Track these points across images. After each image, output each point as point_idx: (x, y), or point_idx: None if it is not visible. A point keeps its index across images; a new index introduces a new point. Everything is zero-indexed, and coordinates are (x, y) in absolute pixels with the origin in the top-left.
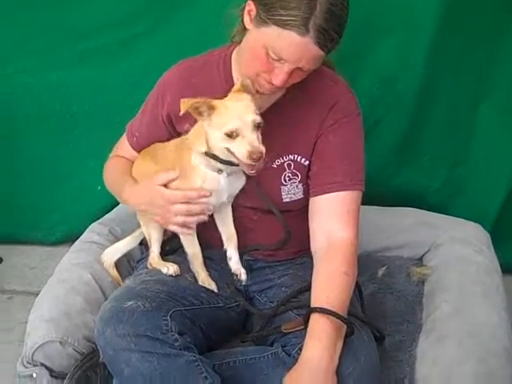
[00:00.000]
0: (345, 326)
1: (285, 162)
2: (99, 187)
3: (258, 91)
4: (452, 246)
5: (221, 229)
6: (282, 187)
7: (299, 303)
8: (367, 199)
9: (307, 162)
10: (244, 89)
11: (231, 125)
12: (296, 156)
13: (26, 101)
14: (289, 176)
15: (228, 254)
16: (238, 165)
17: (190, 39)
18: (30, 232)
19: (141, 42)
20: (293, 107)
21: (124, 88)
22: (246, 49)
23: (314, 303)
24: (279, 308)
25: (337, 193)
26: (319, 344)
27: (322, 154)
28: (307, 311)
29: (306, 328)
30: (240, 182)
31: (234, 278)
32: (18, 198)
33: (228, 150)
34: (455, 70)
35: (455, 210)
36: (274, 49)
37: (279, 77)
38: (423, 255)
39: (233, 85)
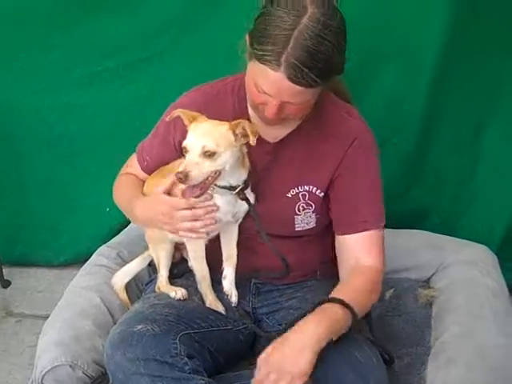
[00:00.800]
0: (349, 323)
1: (300, 192)
2: (108, 209)
3: (263, 121)
4: (459, 268)
5: (223, 248)
6: (296, 216)
7: None
8: None
9: (322, 194)
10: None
11: (185, 141)
12: (311, 187)
13: (35, 122)
14: (303, 206)
15: (224, 272)
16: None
17: (198, 64)
18: (39, 253)
19: (149, 65)
20: (309, 139)
21: (132, 110)
22: (246, 83)
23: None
24: (287, 330)
25: (362, 233)
26: (317, 322)
27: (344, 194)
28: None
29: None
30: (244, 203)
31: (225, 297)
32: (27, 219)
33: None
34: (461, 91)
35: (462, 232)
36: (256, 83)
37: (270, 110)
38: (430, 277)
39: (246, 112)
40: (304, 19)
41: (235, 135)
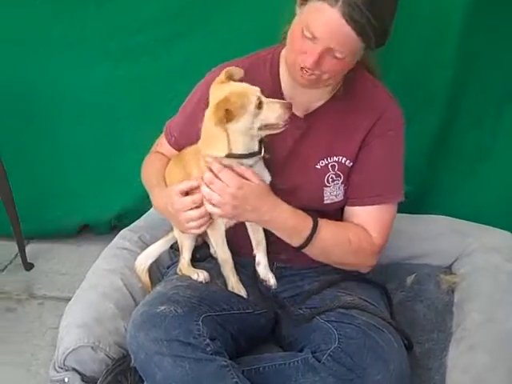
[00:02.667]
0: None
1: (329, 163)
2: (135, 184)
3: (299, 83)
4: (482, 254)
5: (251, 234)
6: (325, 188)
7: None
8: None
9: (351, 164)
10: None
11: (252, 98)
12: (340, 158)
13: (70, 96)
14: (332, 177)
15: (257, 259)
16: (259, 153)
17: (229, 39)
18: (67, 221)
19: (180, 40)
20: (340, 110)
21: (164, 84)
22: (289, 35)
23: None
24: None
25: (374, 206)
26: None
27: (365, 165)
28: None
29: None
30: (265, 174)
31: (264, 283)
32: (61, 187)
33: (262, 125)
34: (482, 70)
35: (483, 217)
36: (307, 25)
37: (310, 57)
38: (452, 263)
39: (280, 85)
40: None
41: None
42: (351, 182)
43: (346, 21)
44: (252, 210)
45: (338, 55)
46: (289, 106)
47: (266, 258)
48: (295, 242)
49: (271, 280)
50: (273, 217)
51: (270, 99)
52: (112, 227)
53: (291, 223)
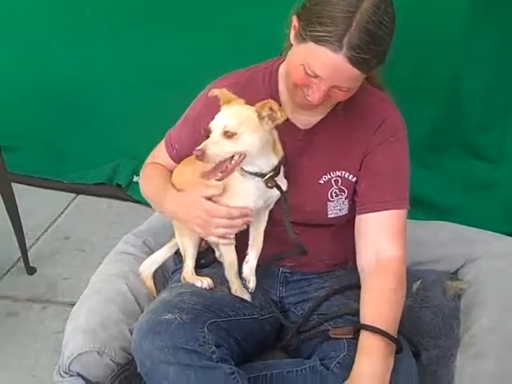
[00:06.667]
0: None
1: (332, 178)
2: None
3: (299, 105)
4: (488, 261)
5: (251, 233)
6: (329, 203)
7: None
8: None
9: (354, 179)
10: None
11: (211, 122)
12: (343, 172)
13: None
14: (336, 192)
15: (247, 257)
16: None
17: (245, 28)
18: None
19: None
20: (341, 124)
21: (197, 58)
22: (288, 63)
23: (365, 320)
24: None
25: (385, 211)
26: (371, 360)
27: (371, 172)
28: (358, 326)
29: (354, 338)
30: (284, 183)
31: (243, 282)
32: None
33: None
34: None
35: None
36: (309, 66)
37: (315, 94)
38: (458, 269)
39: (279, 101)
40: (365, 3)
41: (261, 118)
42: (358, 190)
43: (353, 65)
44: None
45: (344, 89)
46: (195, 153)
47: (256, 262)
48: None
49: (251, 282)
50: None
51: (214, 135)
52: None
53: None
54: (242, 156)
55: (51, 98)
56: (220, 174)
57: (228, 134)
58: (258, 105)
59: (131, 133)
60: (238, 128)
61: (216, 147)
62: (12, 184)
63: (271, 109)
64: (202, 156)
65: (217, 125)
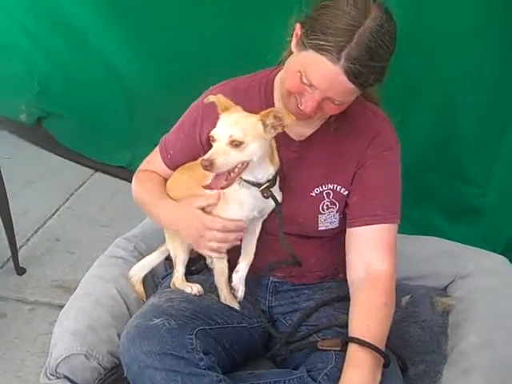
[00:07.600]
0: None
1: (324, 190)
2: None
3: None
4: (477, 278)
5: (243, 242)
6: (320, 216)
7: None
8: None
9: (346, 192)
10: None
11: (213, 130)
12: (335, 185)
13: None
14: (327, 205)
15: (238, 267)
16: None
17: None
18: None
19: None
20: (334, 137)
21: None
22: (286, 69)
23: (353, 333)
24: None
25: (376, 225)
26: (358, 373)
27: (363, 186)
28: (346, 338)
29: (342, 351)
30: (279, 196)
31: (232, 291)
32: None
33: None
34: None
35: (477, 241)
36: (306, 73)
37: (308, 103)
38: (447, 285)
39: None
40: (368, 20)
41: (265, 126)
42: (350, 202)
43: (349, 78)
44: None
45: (337, 102)
46: (203, 163)
47: (246, 272)
48: None
49: (240, 292)
50: None
51: (218, 144)
52: None
53: None
54: (245, 164)
55: None
56: (225, 182)
57: (235, 143)
58: (263, 113)
59: None
60: (245, 137)
61: (223, 157)
62: (5, 184)
63: (275, 117)
64: (210, 166)
65: (222, 134)
